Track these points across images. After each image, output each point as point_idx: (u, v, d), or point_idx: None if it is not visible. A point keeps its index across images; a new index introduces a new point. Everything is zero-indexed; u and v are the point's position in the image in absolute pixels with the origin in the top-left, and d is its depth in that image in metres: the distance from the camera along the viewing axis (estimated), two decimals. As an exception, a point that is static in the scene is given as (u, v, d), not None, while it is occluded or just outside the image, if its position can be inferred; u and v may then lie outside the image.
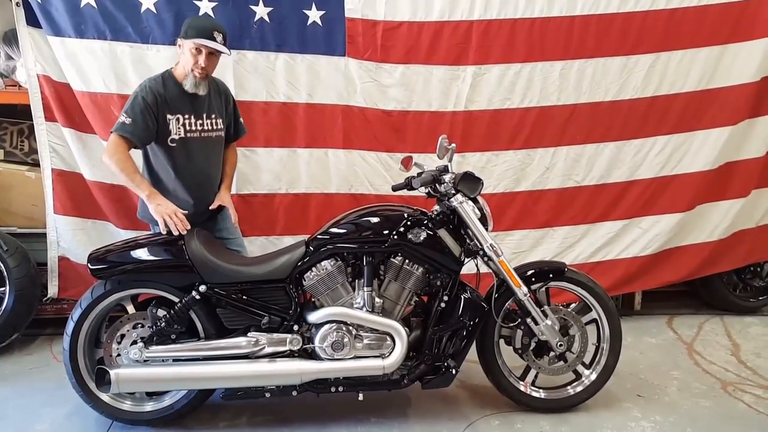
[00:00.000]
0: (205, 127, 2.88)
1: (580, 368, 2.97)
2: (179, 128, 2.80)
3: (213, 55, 2.78)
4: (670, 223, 3.96)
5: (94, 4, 3.33)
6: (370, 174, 3.73)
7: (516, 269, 2.83)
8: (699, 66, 3.84)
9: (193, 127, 2.84)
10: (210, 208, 2.98)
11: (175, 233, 2.68)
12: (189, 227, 2.70)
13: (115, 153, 2.72)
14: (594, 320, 2.97)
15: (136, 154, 2.88)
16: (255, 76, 3.53)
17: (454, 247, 2.77)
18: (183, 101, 2.80)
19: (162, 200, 2.73)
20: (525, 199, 3.89)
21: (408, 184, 2.84)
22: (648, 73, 3.82)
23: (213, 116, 2.90)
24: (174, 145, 2.81)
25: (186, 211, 2.76)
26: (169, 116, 2.78)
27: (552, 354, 2.89)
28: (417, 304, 2.90)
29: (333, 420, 2.89)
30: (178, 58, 2.83)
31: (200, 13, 3.41)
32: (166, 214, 2.68)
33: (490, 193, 3.73)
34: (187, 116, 2.82)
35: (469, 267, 2.87)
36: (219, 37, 2.73)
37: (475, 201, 2.79)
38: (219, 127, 2.94)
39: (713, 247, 4.06)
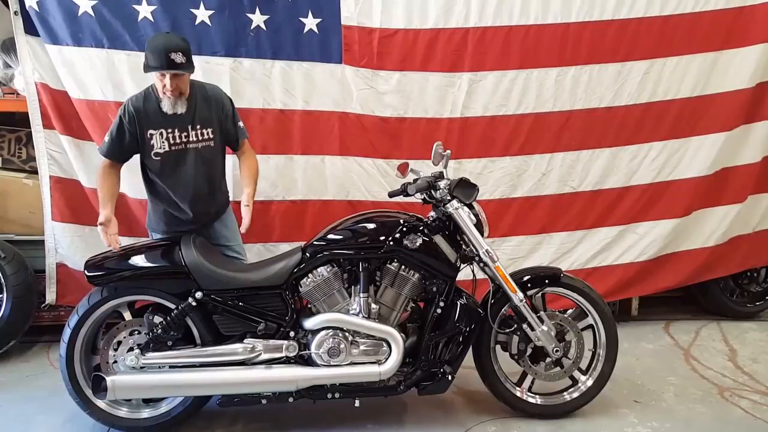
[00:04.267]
0: (191, 139, 2.85)
1: (576, 374, 2.98)
2: (162, 142, 2.80)
3: (179, 74, 2.72)
4: (666, 229, 3.97)
5: (92, 13, 3.35)
6: (367, 180, 3.74)
7: (512, 275, 2.84)
8: (693, 72, 3.86)
9: (177, 140, 2.82)
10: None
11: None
12: (116, 246, 2.73)
13: (98, 174, 2.88)
14: (590, 326, 2.97)
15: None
16: (251, 83, 3.54)
17: (450, 253, 2.78)
18: (164, 116, 2.79)
19: (101, 220, 2.75)
20: (521, 205, 3.89)
21: (404, 191, 2.84)
22: (643, 80, 3.84)
23: (198, 127, 2.85)
24: (158, 159, 2.83)
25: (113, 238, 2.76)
26: (150, 131, 2.80)
27: (548, 360, 2.90)
28: (413, 310, 2.91)
29: (329, 427, 2.89)
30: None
31: (196, 22, 3.43)
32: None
33: (486, 200, 3.74)
34: (170, 130, 2.81)
35: (465, 273, 2.88)
36: (177, 56, 2.64)
37: (470, 207, 2.80)
38: (207, 136, 2.89)
39: (710, 253, 4.07)
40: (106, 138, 2.84)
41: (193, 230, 2.92)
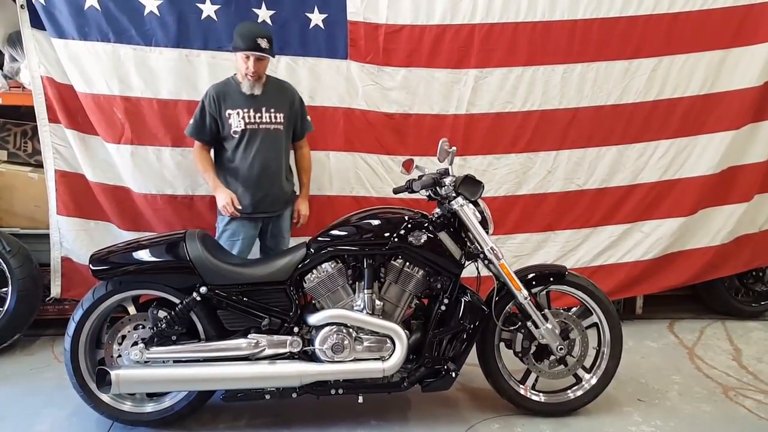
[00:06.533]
0: (264, 120, 3.15)
1: (580, 372, 2.97)
2: (239, 121, 3.12)
3: (262, 59, 3.07)
4: (672, 228, 3.95)
5: (98, 7, 3.35)
6: (372, 177, 3.74)
7: (517, 272, 2.84)
8: (701, 70, 3.83)
9: (253, 120, 3.13)
10: (294, 222, 3.40)
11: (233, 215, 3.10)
12: (238, 208, 3.09)
13: (194, 156, 3.24)
14: (595, 324, 2.97)
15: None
16: (257, 78, 3.54)
17: (455, 250, 2.78)
18: (242, 98, 3.13)
19: (219, 193, 3.13)
20: (526, 203, 3.88)
21: (409, 187, 2.84)
22: (650, 77, 3.81)
23: (272, 110, 3.16)
24: (236, 136, 3.13)
25: (240, 206, 3.12)
26: (229, 111, 3.12)
27: (552, 358, 2.89)
28: (417, 307, 2.91)
29: (333, 422, 2.89)
30: (236, 64, 3.14)
31: (203, 17, 3.42)
32: (223, 204, 3.09)
33: (491, 197, 3.73)
34: (246, 110, 3.12)
35: (470, 270, 2.88)
36: (263, 43, 3.00)
37: (475, 204, 2.79)
38: (278, 120, 3.18)
39: (715, 252, 4.05)
40: (191, 120, 3.18)
41: (269, 214, 3.24)
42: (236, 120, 3.12)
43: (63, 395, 3.01)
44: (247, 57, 3.03)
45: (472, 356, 2.88)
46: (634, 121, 3.87)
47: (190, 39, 3.44)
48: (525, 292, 2.79)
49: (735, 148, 3.94)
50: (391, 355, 2.72)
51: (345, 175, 3.71)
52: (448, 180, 2.77)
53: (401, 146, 3.73)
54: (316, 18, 3.55)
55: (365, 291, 2.73)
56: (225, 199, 3.08)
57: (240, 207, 3.10)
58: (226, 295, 2.71)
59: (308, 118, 3.36)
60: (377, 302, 2.74)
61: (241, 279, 2.72)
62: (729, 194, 4.02)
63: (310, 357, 2.74)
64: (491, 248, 2.75)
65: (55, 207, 3.57)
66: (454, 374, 2.79)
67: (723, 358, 3.65)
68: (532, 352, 2.90)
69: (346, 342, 2.70)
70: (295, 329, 2.75)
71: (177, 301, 2.72)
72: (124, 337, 2.76)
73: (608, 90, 3.81)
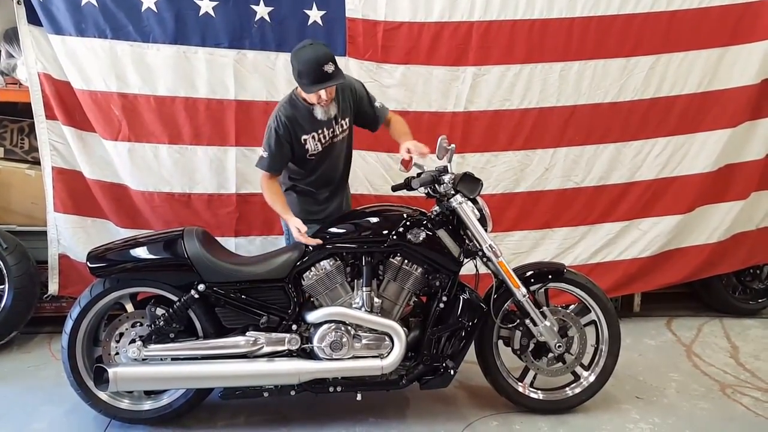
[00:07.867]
0: (336, 133, 2.97)
1: (578, 370, 2.98)
2: (316, 144, 2.92)
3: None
4: (669, 225, 3.96)
5: (95, 3, 3.33)
6: (370, 174, 3.73)
7: (515, 270, 2.84)
8: (699, 68, 3.84)
9: (326, 138, 2.95)
10: (401, 160, 2.92)
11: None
12: (316, 242, 2.75)
13: (263, 187, 2.93)
14: (593, 322, 2.97)
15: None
16: (255, 75, 3.52)
17: (453, 248, 2.78)
18: (313, 119, 2.88)
19: (298, 227, 2.78)
20: (524, 200, 3.88)
21: (407, 185, 2.84)
22: (648, 75, 3.81)
23: (341, 119, 2.97)
24: (313, 158, 2.96)
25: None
26: (304, 137, 2.89)
27: (550, 355, 2.89)
28: (416, 305, 2.91)
29: (331, 420, 2.89)
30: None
31: (200, 13, 3.40)
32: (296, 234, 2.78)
33: (489, 194, 3.72)
34: (320, 131, 2.91)
35: (468, 268, 2.88)
36: (330, 68, 2.69)
37: (474, 201, 2.79)
38: (345, 127, 3.01)
39: (713, 249, 4.05)
40: (264, 153, 2.89)
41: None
42: (312, 144, 2.92)
43: (60, 393, 3.00)
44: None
45: (471, 354, 2.88)
46: (632, 119, 3.87)
47: (187, 35, 3.43)
48: (523, 290, 2.80)
49: (732, 145, 3.95)
50: (389, 353, 2.72)
51: (343, 172, 3.70)
52: (446, 177, 2.76)
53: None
54: (315, 15, 3.54)
55: (364, 288, 2.73)
56: (294, 229, 2.80)
57: (311, 240, 2.79)
58: (224, 292, 2.70)
59: (377, 104, 3.08)
60: (376, 300, 2.74)
61: (239, 277, 2.71)
62: (726, 192, 4.03)
63: (309, 354, 2.74)
64: (490, 246, 2.75)
65: (53, 204, 3.56)
66: (452, 372, 2.79)
67: (720, 356, 3.66)
68: (530, 349, 2.90)
69: (344, 339, 2.69)
70: (294, 327, 2.74)
71: (175, 298, 2.71)
72: (121, 334, 2.75)
73: (606, 87, 3.81)
